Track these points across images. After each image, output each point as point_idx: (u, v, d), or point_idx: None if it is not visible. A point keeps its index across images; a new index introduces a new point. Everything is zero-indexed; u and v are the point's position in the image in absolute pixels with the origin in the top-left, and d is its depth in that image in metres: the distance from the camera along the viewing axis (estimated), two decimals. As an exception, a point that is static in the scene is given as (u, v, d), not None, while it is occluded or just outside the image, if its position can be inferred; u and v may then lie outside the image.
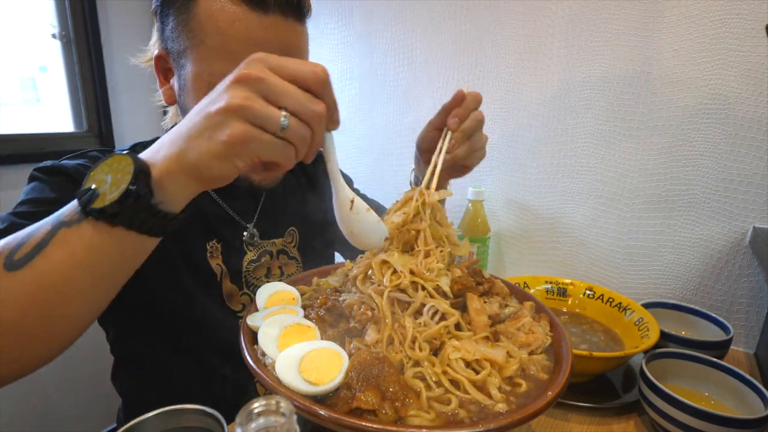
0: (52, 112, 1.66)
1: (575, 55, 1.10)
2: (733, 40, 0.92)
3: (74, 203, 0.47)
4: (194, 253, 0.78)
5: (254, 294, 0.61)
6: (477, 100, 0.72)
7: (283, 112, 0.45)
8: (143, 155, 0.48)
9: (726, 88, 0.94)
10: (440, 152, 0.70)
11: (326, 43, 1.55)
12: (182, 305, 0.75)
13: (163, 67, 0.74)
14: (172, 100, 0.75)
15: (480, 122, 0.72)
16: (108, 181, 0.45)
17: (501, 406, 0.46)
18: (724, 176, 0.97)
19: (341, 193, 0.56)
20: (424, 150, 0.80)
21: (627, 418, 0.72)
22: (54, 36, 1.59)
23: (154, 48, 0.76)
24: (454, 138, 0.70)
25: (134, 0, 1.73)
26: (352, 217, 0.57)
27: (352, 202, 0.56)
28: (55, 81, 1.63)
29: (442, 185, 0.84)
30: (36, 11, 1.56)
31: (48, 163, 0.70)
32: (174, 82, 0.73)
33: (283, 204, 0.91)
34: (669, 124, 1.01)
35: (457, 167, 0.78)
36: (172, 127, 0.81)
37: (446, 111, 0.72)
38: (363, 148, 1.56)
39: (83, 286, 0.47)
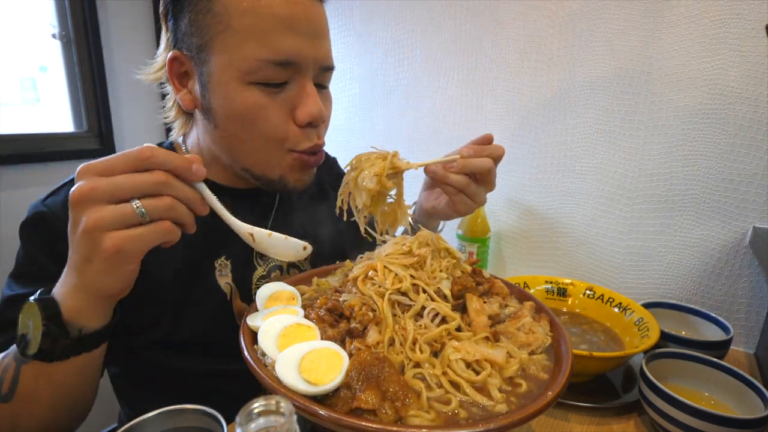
0: (52, 112, 1.66)
1: (575, 54, 1.10)
2: (733, 40, 0.92)
3: None
4: (202, 274, 0.74)
5: None
6: (498, 152, 0.72)
7: (135, 202, 0.47)
8: (54, 291, 0.52)
9: (726, 88, 0.94)
10: (437, 162, 0.71)
11: (326, 43, 1.55)
12: (191, 331, 0.71)
13: (178, 71, 0.69)
14: (192, 105, 0.69)
15: (487, 170, 0.70)
16: (31, 327, 0.51)
17: (501, 407, 0.46)
18: (724, 176, 0.97)
19: (240, 231, 0.59)
20: (429, 184, 0.84)
21: (627, 418, 0.72)
22: (54, 36, 1.59)
23: (164, 53, 0.70)
24: (457, 162, 0.69)
25: (134, 0, 1.73)
26: (260, 246, 0.60)
27: (251, 235, 0.59)
28: (55, 81, 1.64)
29: (433, 227, 0.87)
30: (36, 11, 1.56)
31: (31, 210, 0.67)
32: (194, 84, 0.68)
33: (295, 216, 0.88)
34: (669, 124, 1.01)
35: (441, 205, 0.80)
36: (180, 138, 0.79)
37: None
38: (363, 148, 1.55)
39: (63, 395, 0.56)
